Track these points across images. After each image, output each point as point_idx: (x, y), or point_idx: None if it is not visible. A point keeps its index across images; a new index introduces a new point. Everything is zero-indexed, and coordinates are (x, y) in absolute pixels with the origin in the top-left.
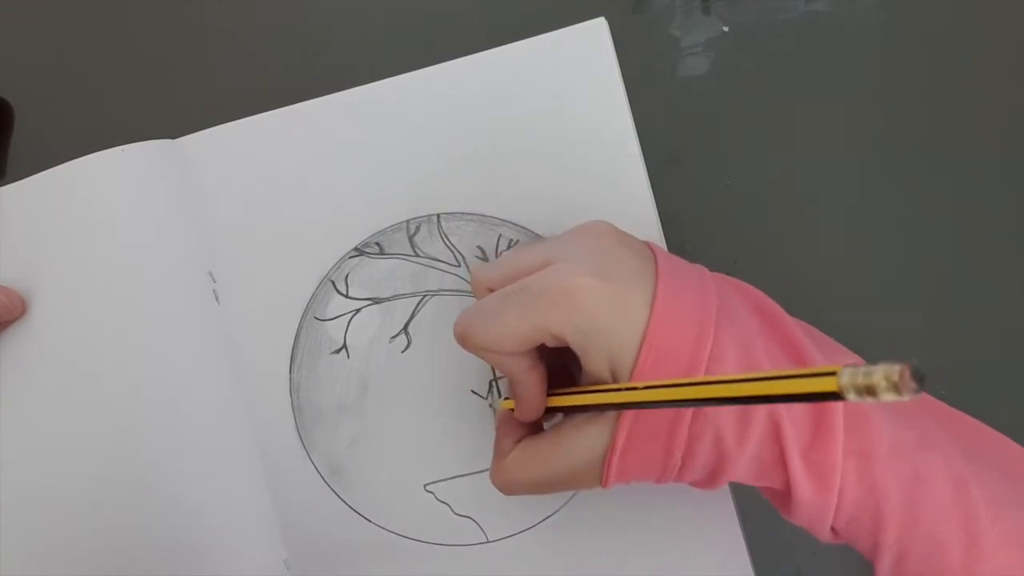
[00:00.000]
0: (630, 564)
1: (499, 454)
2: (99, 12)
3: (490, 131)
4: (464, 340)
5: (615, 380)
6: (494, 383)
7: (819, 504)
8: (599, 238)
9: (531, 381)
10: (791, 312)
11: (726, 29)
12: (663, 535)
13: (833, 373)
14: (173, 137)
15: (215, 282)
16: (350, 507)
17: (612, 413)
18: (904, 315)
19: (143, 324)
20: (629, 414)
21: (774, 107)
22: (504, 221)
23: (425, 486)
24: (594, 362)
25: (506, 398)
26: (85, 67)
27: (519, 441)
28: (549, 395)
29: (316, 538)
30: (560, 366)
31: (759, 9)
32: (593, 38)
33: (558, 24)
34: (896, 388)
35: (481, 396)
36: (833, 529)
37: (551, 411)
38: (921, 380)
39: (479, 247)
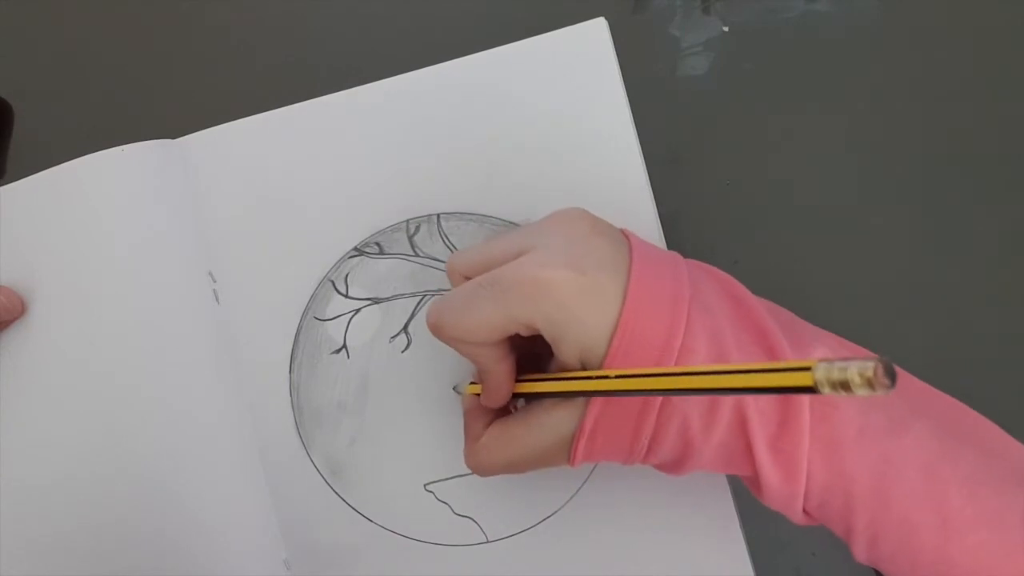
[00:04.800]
0: (630, 564)
1: (470, 438)
2: (99, 12)
3: (490, 131)
4: (437, 330)
5: (584, 368)
6: None
7: (787, 491)
8: (573, 226)
9: (501, 371)
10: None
11: (726, 29)
12: (663, 535)
13: (808, 368)
14: (173, 137)
15: (215, 282)
16: (350, 507)
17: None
18: (904, 314)
19: (143, 324)
20: (598, 399)
21: (774, 107)
22: (504, 221)
23: (425, 486)
24: (566, 351)
25: (472, 382)
26: (85, 67)
27: (489, 424)
28: (517, 381)
29: (316, 538)
30: (528, 351)
31: (759, 9)
32: (593, 38)
33: (558, 24)
34: (869, 384)
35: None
36: (806, 512)
37: (518, 396)
38: (893, 376)
39: None
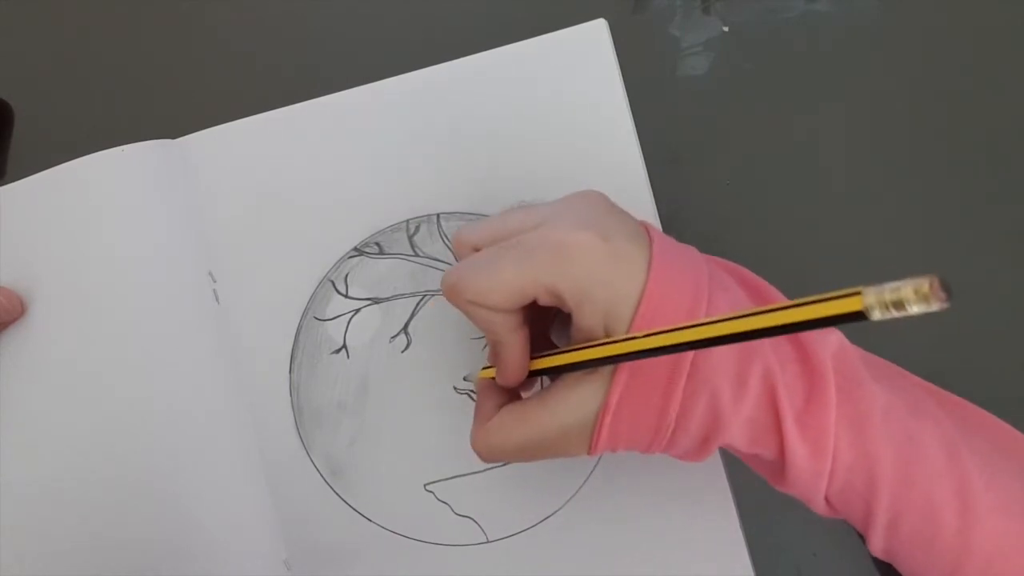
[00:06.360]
0: (630, 564)
1: (481, 418)
2: (99, 12)
3: (490, 131)
4: (455, 291)
5: (608, 335)
6: None
7: (813, 470)
8: (593, 201)
9: (516, 342)
10: None
11: (726, 29)
12: (663, 535)
13: (857, 293)
14: (173, 137)
15: (215, 282)
16: (350, 507)
17: (606, 373)
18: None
19: (143, 324)
20: (624, 373)
21: (774, 107)
22: None
23: (425, 486)
24: (588, 317)
25: (485, 368)
26: (85, 67)
27: (502, 406)
28: (533, 358)
29: (316, 538)
30: (539, 335)
31: (759, 9)
32: (593, 38)
33: (558, 24)
34: (926, 299)
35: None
36: (827, 500)
37: (533, 376)
38: (949, 291)
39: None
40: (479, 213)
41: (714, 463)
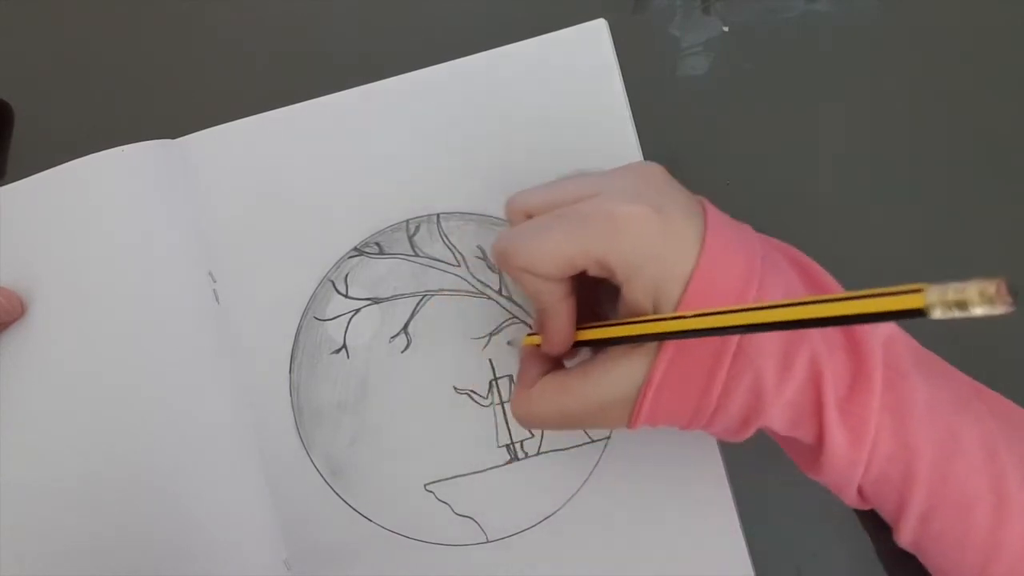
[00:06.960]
0: (630, 564)
1: (523, 384)
2: (98, 12)
3: (490, 131)
4: (505, 257)
5: (656, 312)
6: (494, 383)
7: (850, 458)
8: (651, 175)
9: (563, 311)
10: None
11: (726, 29)
12: (663, 535)
13: (919, 290)
14: (173, 137)
15: (215, 282)
16: (350, 507)
17: (650, 348)
18: None
19: (143, 324)
20: (669, 349)
21: (774, 107)
22: (504, 221)
23: (425, 486)
24: (637, 291)
25: (530, 334)
26: (85, 67)
27: (545, 373)
28: (579, 329)
29: (316, 538)
30: (586, 306)
31: (759, 9)
32: (593, 38)
33: (558, 24)
34: (991, 301)
35: (481, 396)
36: (860, 489)
37: (578, 346)
38: (1015, 294)
39: (479, 247)
40: (479, 213)
41: (714, 463)
